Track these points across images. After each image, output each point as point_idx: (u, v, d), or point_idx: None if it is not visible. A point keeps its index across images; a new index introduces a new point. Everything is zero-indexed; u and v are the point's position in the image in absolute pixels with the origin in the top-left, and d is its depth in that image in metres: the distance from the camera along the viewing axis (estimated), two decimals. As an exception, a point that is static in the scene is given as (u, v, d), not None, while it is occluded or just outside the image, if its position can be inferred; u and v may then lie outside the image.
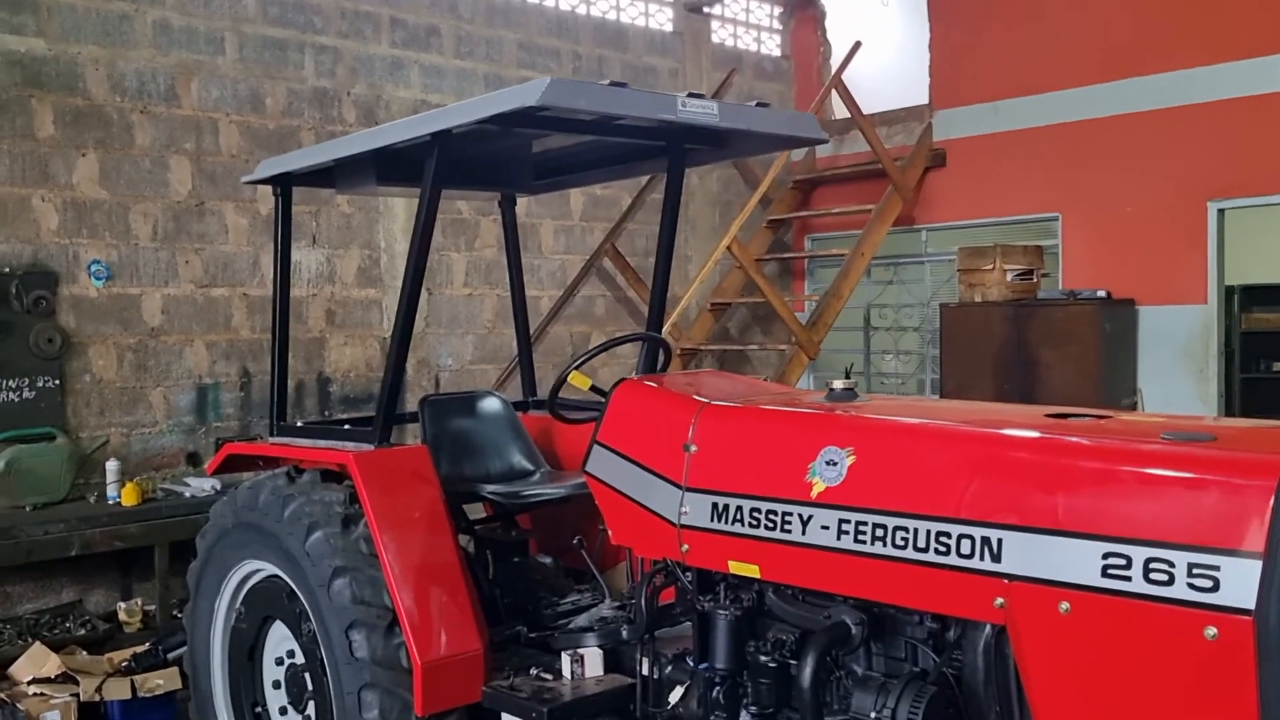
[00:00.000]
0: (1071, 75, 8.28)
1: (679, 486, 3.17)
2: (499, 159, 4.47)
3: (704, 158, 4.33)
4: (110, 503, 5.99)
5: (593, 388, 3.69)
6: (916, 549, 2.57)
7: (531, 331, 8.17)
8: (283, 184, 4.37)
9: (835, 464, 2.79)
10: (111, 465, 6.08)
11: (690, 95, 3.44)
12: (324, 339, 7.32)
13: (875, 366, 10.05)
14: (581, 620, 3.81)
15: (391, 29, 7.62)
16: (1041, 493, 2.38)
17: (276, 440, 4.25)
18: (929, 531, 2.55)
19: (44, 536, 5.52)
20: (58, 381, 6.13)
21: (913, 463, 2.64)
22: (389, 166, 4.09)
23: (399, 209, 7.65)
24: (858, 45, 9.05)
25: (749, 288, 9.58)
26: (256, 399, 6.96)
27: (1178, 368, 7.84)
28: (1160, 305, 7.88)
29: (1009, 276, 8.11)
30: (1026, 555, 2.37)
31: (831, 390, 3.19)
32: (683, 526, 3.15)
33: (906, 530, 2.59)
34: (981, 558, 2.45)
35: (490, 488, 4.07)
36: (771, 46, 10.41)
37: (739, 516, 2.99)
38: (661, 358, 4.05)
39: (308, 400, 7.23)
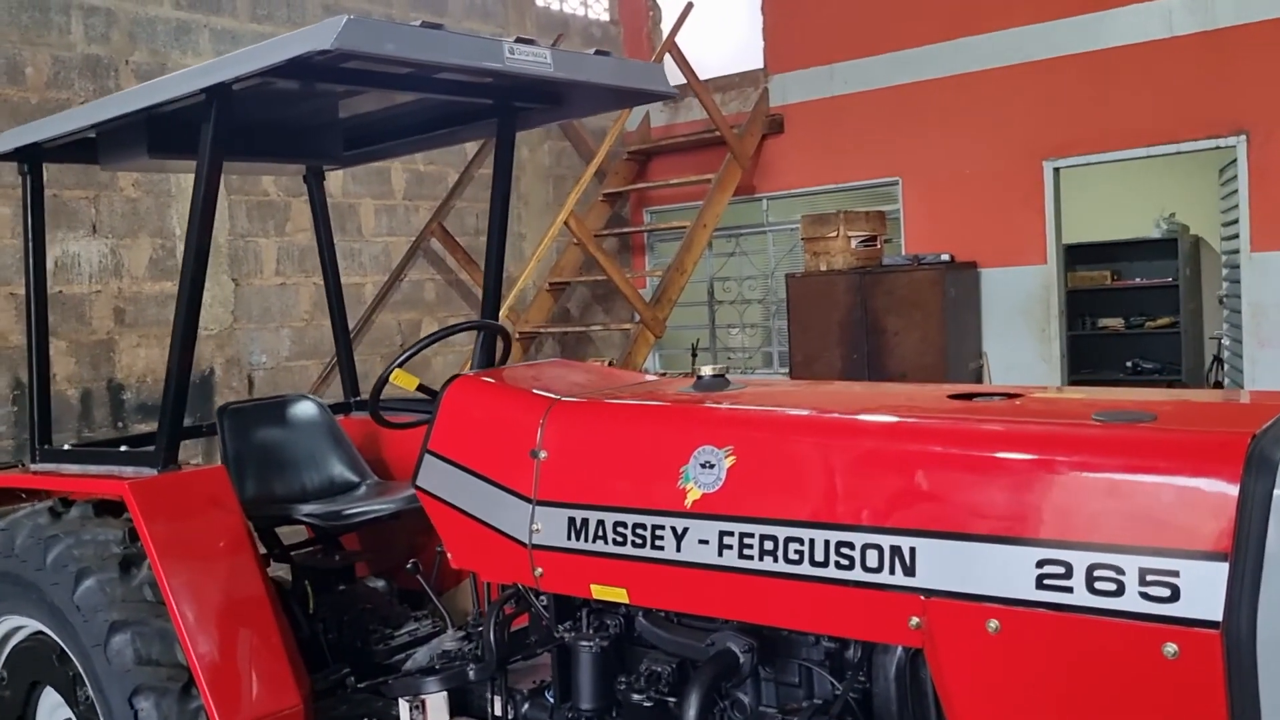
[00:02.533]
0: (908, 35, 8.14)
1: (528, 500, 2.69)
2: (300, 125, 3.85)
3: (537, 118, 3.82)
4: None
5: (420, 387, 3.16)
6: (813, 563, 2.17)
7: (354, 322, 7.52)
8: (30, 159, 3.63)
9: (711, 466, 2.36)
10: None
11: (519, 40, 2.94)
12: (113, 340, 6.47)
13: (721, 341, 9.78)
14: (420, 657, 3.28)
15: (175, -12, 6.77)
16: (959, 492, 2.02)
17: (38, 468, 3.54)
18: (828, 542, 2.15)
19: None
20: None
21: (803, 462, 2.24)
22: (162, 133, 3.42)
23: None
24: (689, 7, 8.69)
25: (588, 265, 9.15)
26: (35, 413, 6.06)
27: (1020, 329, 7.83)
28: (1001, 267, 7.85)
29: (853, 244, 7.93)
30: (945, 567, 2.00)
31: (700, 378, 2.75)
32: (535, 547, 2.67)
33: (800, 541, 2.19)
34: (892, 571, 2.07)
35: (307, 508, 3.48)
36: (599, 10, 9.94)
37: (601, 533, 2.53)
38: (500, 347, 3.54)
39: (98, 411, 6.38)
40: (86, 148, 3.67)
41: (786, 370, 8.80)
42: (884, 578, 2.07)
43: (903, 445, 2.13)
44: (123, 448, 3.44)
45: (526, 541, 2.68)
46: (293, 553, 3.73)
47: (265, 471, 3.72)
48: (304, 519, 3.44)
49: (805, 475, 2.22)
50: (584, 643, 2.67)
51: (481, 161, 8.19)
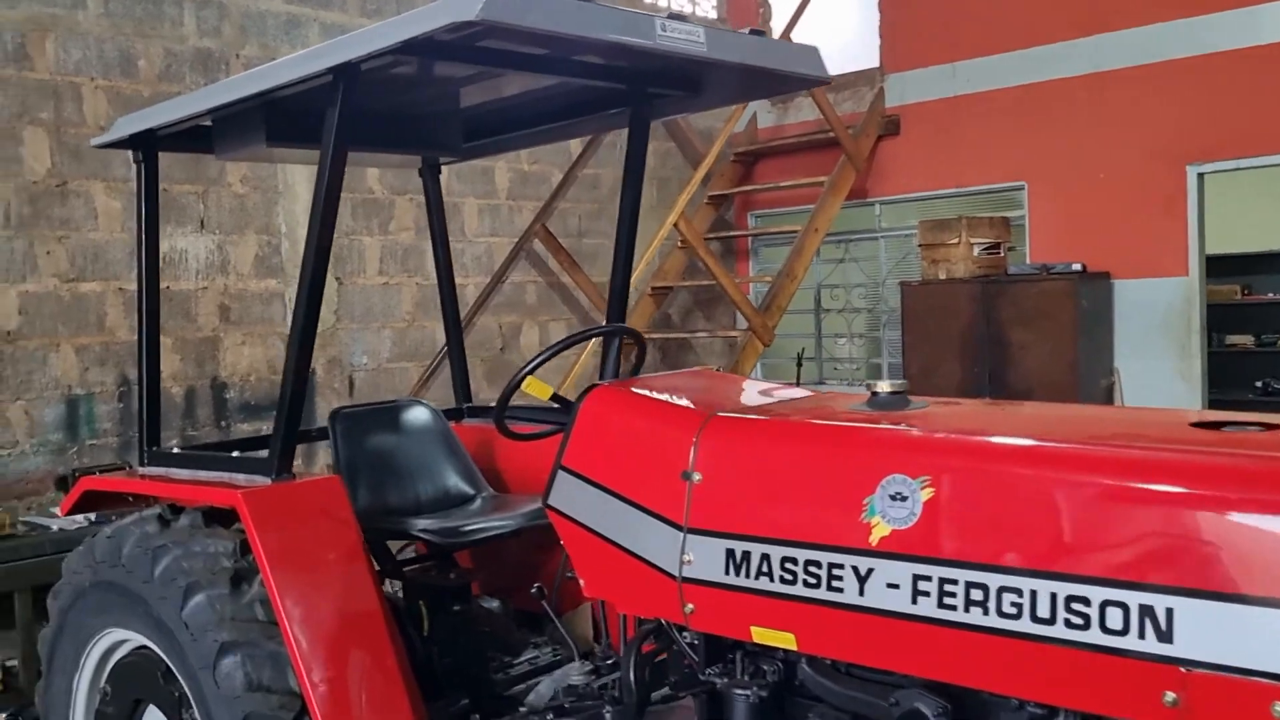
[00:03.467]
0: (1037, 32, 7.68)
1: (678, 527, 2.40)
2: (420, 113, 3.63)
3: (673, 106, 3.55)
4: (-40, 541, 5.01)
5: (554, 397, 2.90)
6: (1035, 619, 1.84)
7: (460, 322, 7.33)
8: (145, 147, 3.46)
9: (903, 498, 2.04)
10: (-41, 497, 5.10)
11: (671, 16, 2.66)
12: (218, 338, 6.37)
13: (828, 351, 9.40)
14: (544, 689, 3.03)
15: (286, -19, 6.67)
16: (1232, 544, 1.67)
17: (147, 472, 3.37)
18: (1055, 595, 1.82)
19: None
20: (-111, 398, 5.12)
21: (1023, 498, 1.91)
22: (281, 120, 3.23)
23: (301, 187, 6.72)
24: (805, 2, 8.35)
25: (691, 269, 8.87)
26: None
27: (1157, 344, 7.32)
28: (1137, 279, 7.34)
29: (975, 251, 7.50)
30: (1214, 633, 1.66)
31: (875, 395, 2.43)
32: (685, 580, 2.38)
33: (1019, 593, 1.86)
34: (1141, 634, 1.73)
35: (422, 522, 3.24)
36: (707, 7, 9.65)
37: (765, 568, 2.23)
38: (634, 356, 3.26)
39: (201, 410, 6.28)
40: (202, 136, 3.51)
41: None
42: (1130, 642, 1.73)
43: (1154, 484, 1.78)
44: (234, 453, 3.26)
45: (675, 573, 2.40)
46: (405, 569, 3.50)
47: (378, 481, 3.50)
48: (420, 535, 3.20)
49: (1025, 514, 1.89)
50: (739, 690, 2.37)
51: (586, 161, 7.96)
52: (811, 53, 3.07)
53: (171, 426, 6.13)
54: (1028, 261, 7.75)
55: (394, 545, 3.51)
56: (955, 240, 7.50)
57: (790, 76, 3.03)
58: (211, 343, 6.34)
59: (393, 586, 3.49)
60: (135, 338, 6.00)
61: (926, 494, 2.01)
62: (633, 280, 7.89)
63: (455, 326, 4.38)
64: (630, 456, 2.56)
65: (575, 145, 7.96)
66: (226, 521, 3.00)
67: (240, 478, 3.02)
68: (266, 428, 6.69)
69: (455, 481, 3.67)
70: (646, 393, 2.68)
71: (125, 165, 5.95)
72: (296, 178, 6.70)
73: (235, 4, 6.40)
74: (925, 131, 8.41)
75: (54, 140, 5.70)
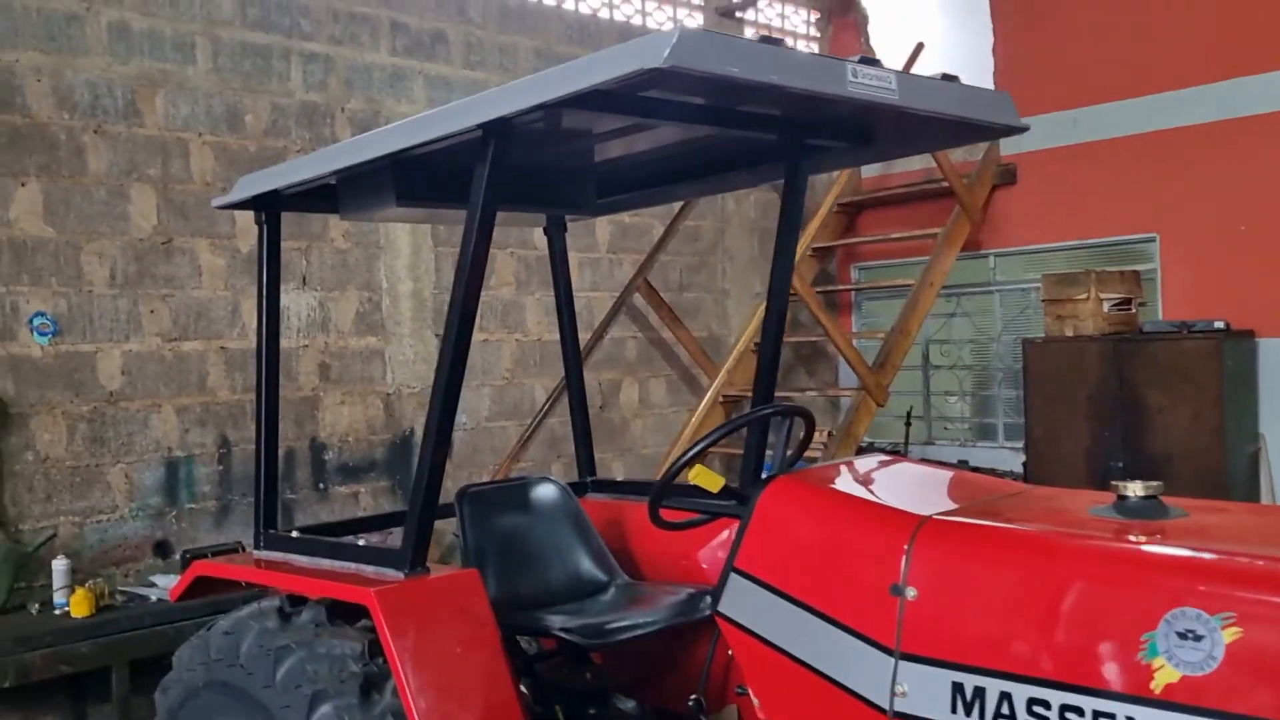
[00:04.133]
0: (1168, 77, 7.26)
1: (888, 651, 2.06)
2: (555, 167, 3.38)
3: (832, 160, 3.25)
4: (58, 612, 4.83)
5: (726, 489, 2.58)
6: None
7: (556, 381, 7.09)
8: (268, 208, 3.26)
9: (1198, 638, 1.68)
10: (59, 565, 4.92)
11: (863, 61, 2.36)
12: (317, 397, 6.19)
13: (936, 409, 8.96)
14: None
15: (392, 34, 6.55)
16: None
17: (264, 556, 3.11)
18: None
19: (-33, 665, 4.36)
20: (-9, 462, 4.99)
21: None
22: (412, 179, 3.00)
23: (402, 242, 6.55)
24: (920, 47, 8.04)
25: (793, 324, 8.52)
26: (239, 473, 5.81)
27: (1308, 409, 6.77)
28: (1286, 337, 6.82)
29: (1105, 307, 7.04)
30: None
31: (1123, 498, 2.07)
32: (899, 715, 2.02)
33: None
34: None
35: (560, 619, 2.93)
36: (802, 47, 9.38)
37: (1006, 710, 1.87)
38: (800, 435, 2.93)
39: (299, 471, 6.08)
40: (325, 196, 3.29)
41: (1018, 445, 7.93)
42: None
43: None
44: (360, 541, 2.99)
45: (885, 707, 2.05)
46: (536, 664, 3.19)
47: (508, 568, 3.21)
48: (561, 634, 2.88)
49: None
50: None
51: (687, 214, 7.69)
52: (1004, 100, 2.75)
53: (270, 489, 5.93)
54: (1160, 318, 7.27)
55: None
56: (1084, 295, 7.05)
57: (983, 126, 2.72)
58: (310, 402, 6.16)
59: (524, 685, 3.18)
60: (235, 397, 5.88)
61: (1231, 634, 1.64)
62: (743, 337, 7.62)
63: (579, 389, 4.10)
64: (823, 563, 2.23)
65: (677, 197, 7.70)
66: (350, 615, 2.73)
67: (369, 570, 2.74)
68: (364, 490, 6.50)
69: (588, 567, 3.37)
70: (838, 487, 2.34)
71: (229, 222, 5.83)
72: (398, 232, 6.54)
73: (341, 57, 6.29)
74: (1044, 181, 7.99)
75: (161, 197, 5.60)
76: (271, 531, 3.17)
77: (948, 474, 2.74)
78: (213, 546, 5.21)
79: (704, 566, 3.32)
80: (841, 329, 9.00)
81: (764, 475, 2.69)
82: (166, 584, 5.16)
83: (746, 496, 2.53)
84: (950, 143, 3.36)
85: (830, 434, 7.05)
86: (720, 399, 7.71)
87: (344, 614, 2.75)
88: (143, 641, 4.79)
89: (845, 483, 2.39)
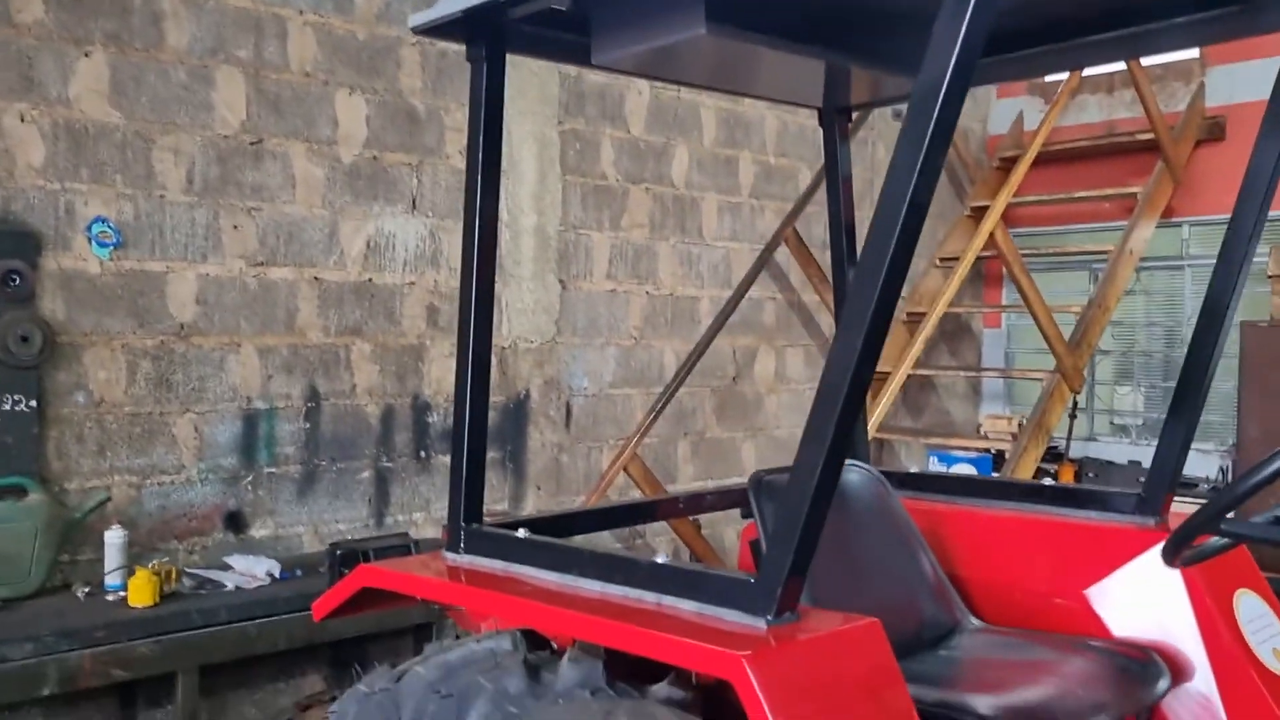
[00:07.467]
0: None
1: None
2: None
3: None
4: (110, 598, 3.77)
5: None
6: None
7: (695, 346, 5.99)
8: (488, 37, 2.14)
9: None
10: (113, 538, 3.86)
11: None
12: (423, 347, 5.09)
13: (1102, 401, 7.79)
14: None
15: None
16: None
17: (469, 565, 2.00)
18: None
19: (-4, 668, 3.30)
20: (34, 404, 3.91)
21: None
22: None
23: (526, 165, 5.43)
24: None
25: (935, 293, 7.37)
26: (329, 433, 4.73)
27: None
28: None
29: (1352, 286, 5.88)
30: None
31: None
32: None
33: None
34: None
35: (976, 700, 1.82)
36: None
37: None
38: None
39: (398, 435, 5.00)
40: (575, 27, 2.17)
41: (1208, 447, 6.79)
42: None
43: None
44: (520, 531, 1.88)
45: None
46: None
47: (833, 594, 2.10)
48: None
49: None
50: None
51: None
52: None
53: (364, 454, 4.85)
54: None
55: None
56: (1326, 272, 5.90)
57: None
58: (415, 352, 5.06)
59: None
60: (329, 340, 4.79)
61: None
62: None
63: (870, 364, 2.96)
64: None
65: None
66: (652, 674, 1.63)
67: (687, 608, 1.63)
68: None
69: (926, 603, 2.26)
70: None
71: (331, 125, 4.73)
72: (523, 154, 5.42)
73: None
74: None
75: (251, 86, 4.49)
76: (474, 525, 2.05)
77: None
78: (301, 482, 4.12)
79: (1097, 611, 2.23)
80: (972, 301, 7.86)
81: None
82: (245, 567, 4.10)
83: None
84: None
85: (1021, 424, 5.92)
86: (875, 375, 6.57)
87: (621, 667, 1.66)
88: (217, 643, 3.74)
89: None
